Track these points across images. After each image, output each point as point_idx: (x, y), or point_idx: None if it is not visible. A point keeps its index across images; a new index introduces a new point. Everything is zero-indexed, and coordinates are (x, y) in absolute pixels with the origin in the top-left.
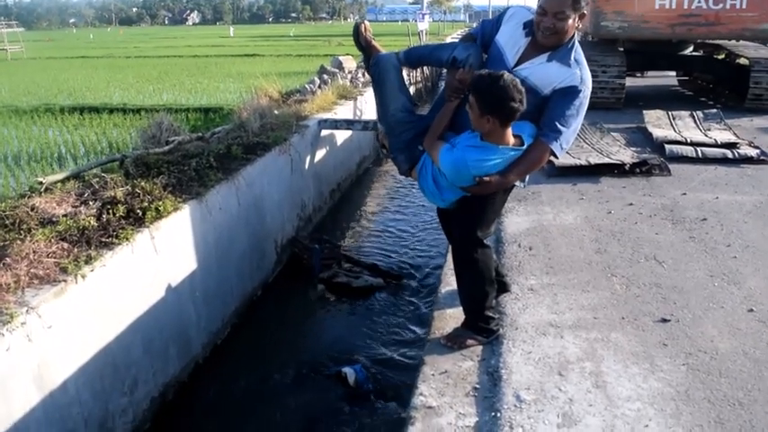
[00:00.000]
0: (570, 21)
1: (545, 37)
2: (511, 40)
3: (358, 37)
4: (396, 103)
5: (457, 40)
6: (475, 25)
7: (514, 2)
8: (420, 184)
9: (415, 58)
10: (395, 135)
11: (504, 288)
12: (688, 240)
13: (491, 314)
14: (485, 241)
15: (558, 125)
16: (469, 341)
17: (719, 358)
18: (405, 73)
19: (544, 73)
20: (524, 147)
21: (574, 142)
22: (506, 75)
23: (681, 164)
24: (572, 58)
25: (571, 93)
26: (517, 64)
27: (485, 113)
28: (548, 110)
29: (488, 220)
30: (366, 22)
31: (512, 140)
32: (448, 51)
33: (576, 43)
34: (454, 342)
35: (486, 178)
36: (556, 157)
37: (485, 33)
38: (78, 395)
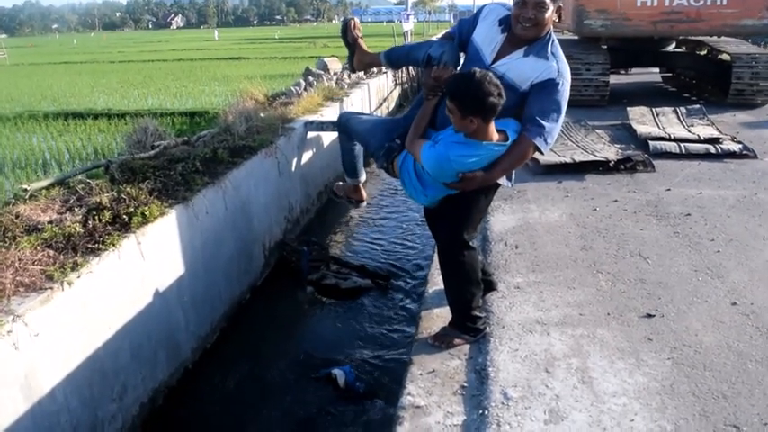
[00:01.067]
0: (549, 12)
1: (524, 29)
2: (487, 38)
3: (346, 34)
4: (361, 121)
5: (432, 40)
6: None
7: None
8: (402, 178)
9: (395, 58)
10: (369, 141)
11: (490, 287)
12: (672, 236)
13: (478, 313)
14: (470, 243)
15: (540, 120)
16: (457, 340)
17: (704, 352)
18: (390, 74)
19: (521, 68)
20: (509, 142)
21: (559, 140)
22: (478, 72)
23: (665, 160)
24: (548, 51)
25: (549, 86)
26: (494, 61)
27: (466, 115)
28: (528, 105)
29: (473, 222)
30: (356, 18)
31: (495, 136)
32: (423, 50)
33: (553, 36)
34: (442, 341)
35: (470, 174)
36: (541, 152)
37: (462, 32)
38: (67, 402)
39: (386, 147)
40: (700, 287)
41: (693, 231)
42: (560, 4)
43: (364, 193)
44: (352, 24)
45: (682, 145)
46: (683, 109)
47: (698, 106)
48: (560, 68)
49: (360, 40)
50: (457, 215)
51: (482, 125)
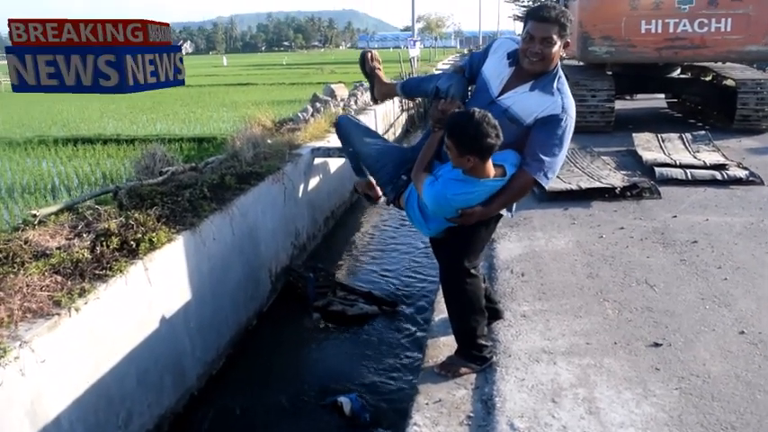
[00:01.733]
0: (556, 47)
1: (531, 63)
2: (495, 71)
3: (364, 65)
4: (367, 144)
5: (443, 72)
6: (466, 51)
7: (504, 27)
8: (407, 212)
9: (408, 89)
10: (378, 170)
11: (497, 315)
12: (679, 263)
13: (483, 342)
14: (473, 271)
15: (541, 155)
16: (463, 369)
17: (712, 382)
18: (397, 100)
19: (526, 102)
20: (507, 176)
21: (564, 166)
22: (477, 112)
23: (671, 186)
24: (554, 86)
25: (553, 121)
26: (501, 94)
27: (463, 153)
28: (530, 140)
29: (475, 250)
30: (374, 51)
31: (493, 172)
32: (433, 82)
33: (560, 72)
34: (448, 370)
35: (469, 210)
36: (541, 187)
37: (473, 65)
38: (72, 429)
39: (393, 183)
40: (707, 315)
41: (700, 259)
42: (568, 40)
43: (379, 191)
44: (370, 56)
45: (688, 171)
46: (688, 135)
47: (703, 132)
48: (565, 104)
49: (377, 71)
50: (458, 243)
51: (479, 163)
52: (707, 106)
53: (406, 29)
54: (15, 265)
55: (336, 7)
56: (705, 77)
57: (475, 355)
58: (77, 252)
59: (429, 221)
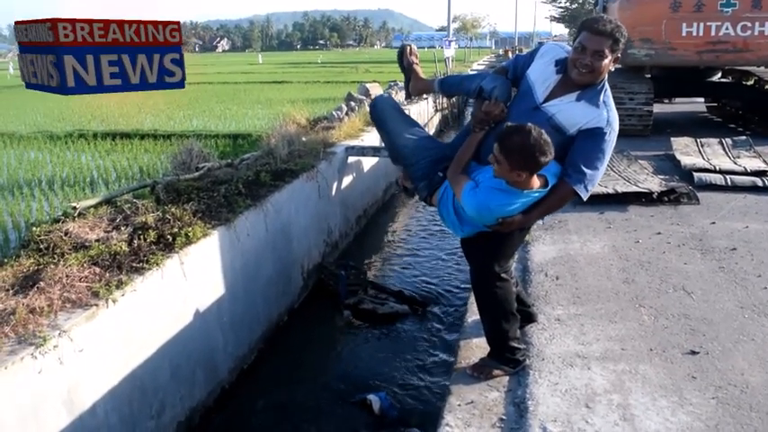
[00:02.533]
0: (607, 60)
1: (580, 75)
2: (542, 76)
3: (402, 58)
4: (404, 134)
5: (487, 72)
6: (501, 52)
7: (540, 28)
8: (440, 211)
9: (447, 87)
10: (413, 164)
11: (530, 318)
12: (717, 270)
13: (516, 344)
14: (503, 274)
15: (583, 167)
16: (496, 371)
17: (750, 392)
18: (431, 100)
19: (571, 112)
20: (548, 187)
21: None
22: (534, 130)
23: (710, 192)
24: (600, 99)
25: (597, 134)
26: (546, 101)
27: (514, 169)
28: (572, 151)
29: (506, 254)
30: (412, 45)
31: (536, 185)
32: (476, 82)
33: (606, 85)
34: (480, 372)
35: (509, 219)
36: (580, 198)
37: (517, 67)
38: (107, 419)
39: (429, 179)
40: (746, 324)
41: (739, 266)
42: (618, 55)
43: None
44: (408, 50)
45: (727, 177)
46: (728, 140)
47: (744, 137)
48: (610, 118)
49: (415, 66)
50: (490, 247)
51: (528, 177)
52: (748, 111)
53: (442, 29)
54: (56, 256)
55: (372, 7)
56: (747, 82)
57: (508, 358)
58: (115, 244)
59: (464, 224)
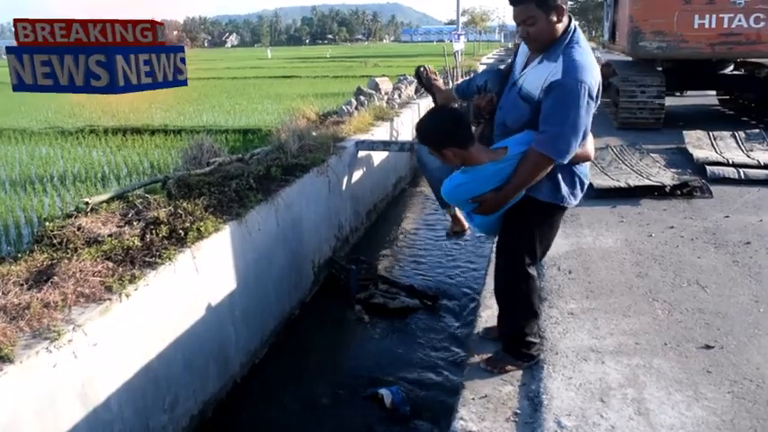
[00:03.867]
0: (542, 23)
1: (530, 46)
2: (522, 53)
3: (421, 80)
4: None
5: (489, 69)
6: (510, 45)
7: None
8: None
9: (461, 91)
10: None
11: None
12: (731, 264)
13: (533, 339)
14: (530, 270)
15: (545, 126)
16: (509, 366)
17: (766, 386)
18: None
19: (534, 75)
20: (510, 154)
21: (613, 163)
22: (430, 110)
23: (723, 185)
24: (559, 52)
25: (554, 88)
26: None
27: (440, 150)
28: (540, 114)
29: (536, 249)
30: (428, 65)
31: (485, 156)
32: (477, 81)
33: (573, 36)
34: (494, 366)
35: (480, 198)
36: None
37: (515, 54)
38: (121, 411)
39: None
40: (761, 319)
41: (754, 260)
42: (561, 7)
43: (465, 222)
44: (424, 71)
45: (741, 170)
46: (741, 133)
47: (757, 130)
48: (567, 67)
49: (435, 82)
50: (522, 242)
51: (462, 153)
52: (761, 104)
53: (450, 22)
54: (69, 251)
55: (381, 0)
56: (760, 74)
57: (523, 353)
58: (128, 239)
59: (473, 218)
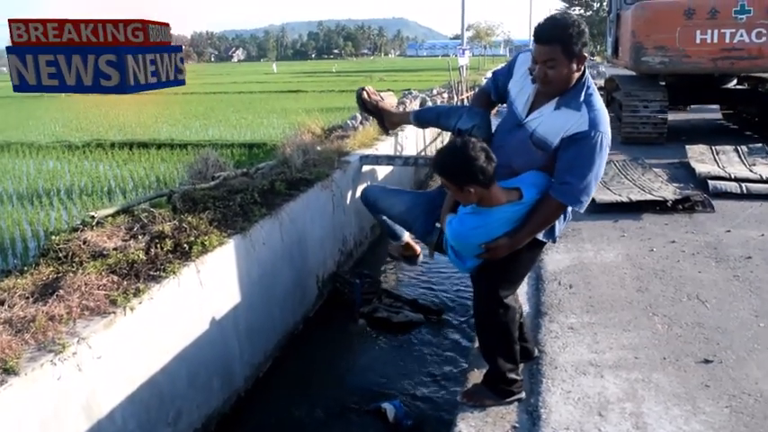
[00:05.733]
0: (564, 69)
1: (542, 86)
2: (521, 90)
3: (365, 105)
4: (394, 207)
5: (463, 107)
6: None
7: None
8: (448, 256)
9: (424, 120)
10: (411, 226)
11: (527, 355)
12: (732, 279)
13: (514, 376)
14: (506, 301)
15: (568, 177)
16: (487, 401)
17: (764, 401)
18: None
19: (552, 122)
20: (525, 198)
21: (615, 178)
22: (458, 141)
23: (725, 200)
24: (581, 100)
25: (580, 139)
26: (528, 114)
27: (461, 186)
28: (557, 161)
29: (512, 279)
30: (367, 87)
31: (504, 198)
32: (454, 119)
33: (589, 82)
34: (471, 399)
35: (493, 243)
36: (589, 206)
37: (498, 86)
38: (125, 425)
39: (430, 233)
40: (760, 334)
41: (755, 275)
42: (584, 55)
43: (417, 247)
44: (366, 95)
45: (743, 185)
46: (744, 147)
47: (760, 145)
48: (593, 119)
49: (381, 103)
50: (496, 272)
51: (483, 192)
52: (764, 118)
53: (456, 37)
54: (74, 264)
55: (386, 15)
56: (763, 88)
57: (502, 389)
58: (133, 253)
59: (465, 260)
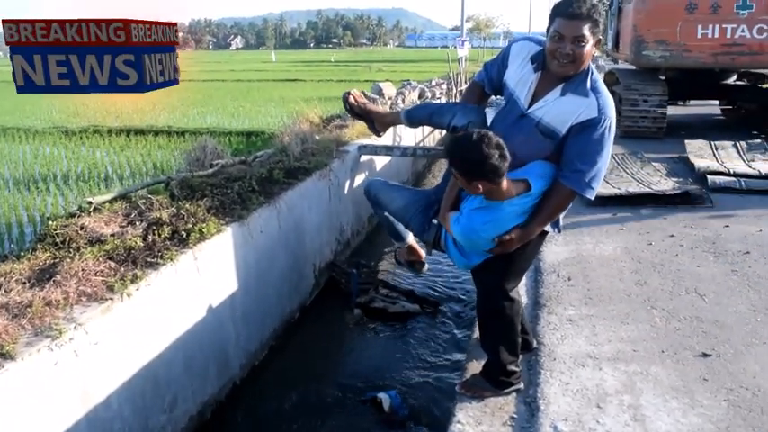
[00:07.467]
0: (589, 46)
1: (561, 66)
2: (521, 80)
3: (352, 109)
4: (393, 202)
5: (456, 104)
6: None
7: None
8: (448, 253)
9: (416, 119)
10: (408, 223)
11: (526, 346)
12: (730, 274)
13: (513, 368)
14: (512, 293)
15: (580, 164)
16: (486, 393)
17: (762, 395)
18: (444, 99)
19: (558, 110)
20: (533, 190)
21: (614, 171)
22: (474, 134)
23: (723, 195)
24: (588, 86)
25: (590, 126)
26: (531, 104)
27: (470, 180)
28: (566, 148)
29: (517, 271)
30: (353, 90)
31: (513, 191)
32: (448, 117)
33: (592, 68)
34: (469, 390)
35: (506, 237)
36: (588, 198)
37: (491, 78)
38: (120, 410)
39: (426, 231)
40: (758, 328)
41: (753, 270)
42: (600, 37)
43: (422, 252)
44: (352, 99)
45: (741, 180)
46: (743, 143)
47: (759, 141)
48: (601, 105)
49: (369, 105)
50: (501, 264)
51: (491, 186)
52: (764, 114)
53: (455, 28)
54: (71, 250)
55: (386, 5)
56: (762, 85)
57: (501, 381)
58: (130, 239)
59: (470, 257)
